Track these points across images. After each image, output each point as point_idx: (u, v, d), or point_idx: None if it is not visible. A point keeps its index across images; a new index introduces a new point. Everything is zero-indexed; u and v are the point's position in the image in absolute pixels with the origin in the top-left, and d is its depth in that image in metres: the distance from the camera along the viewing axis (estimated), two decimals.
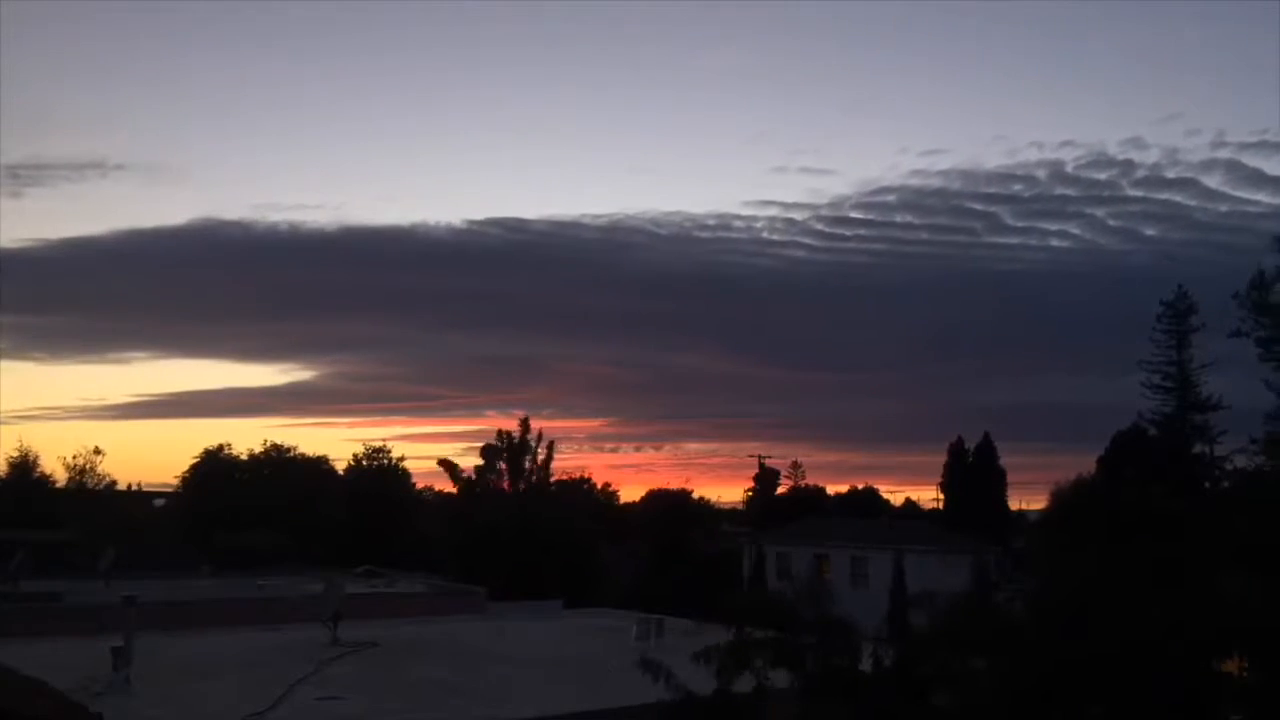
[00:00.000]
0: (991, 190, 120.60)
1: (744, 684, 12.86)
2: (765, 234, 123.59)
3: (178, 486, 70.01)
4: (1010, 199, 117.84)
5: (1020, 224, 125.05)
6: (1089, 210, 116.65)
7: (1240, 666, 16.04)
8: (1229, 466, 42.06)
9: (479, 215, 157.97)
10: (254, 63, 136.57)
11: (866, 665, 13.15)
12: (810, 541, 59.18)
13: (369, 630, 27.81)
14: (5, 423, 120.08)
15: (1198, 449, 45.25)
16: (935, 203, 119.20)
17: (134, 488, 76.31)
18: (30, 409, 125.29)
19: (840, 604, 13.78)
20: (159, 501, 74.39)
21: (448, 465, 62.07)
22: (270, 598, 34.12)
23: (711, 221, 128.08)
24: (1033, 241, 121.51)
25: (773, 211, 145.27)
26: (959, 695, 12.56)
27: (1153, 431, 45.93)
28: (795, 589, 13.57)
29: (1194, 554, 16.98)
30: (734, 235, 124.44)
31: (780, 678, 13.06)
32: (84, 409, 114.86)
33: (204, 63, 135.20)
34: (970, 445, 73.79)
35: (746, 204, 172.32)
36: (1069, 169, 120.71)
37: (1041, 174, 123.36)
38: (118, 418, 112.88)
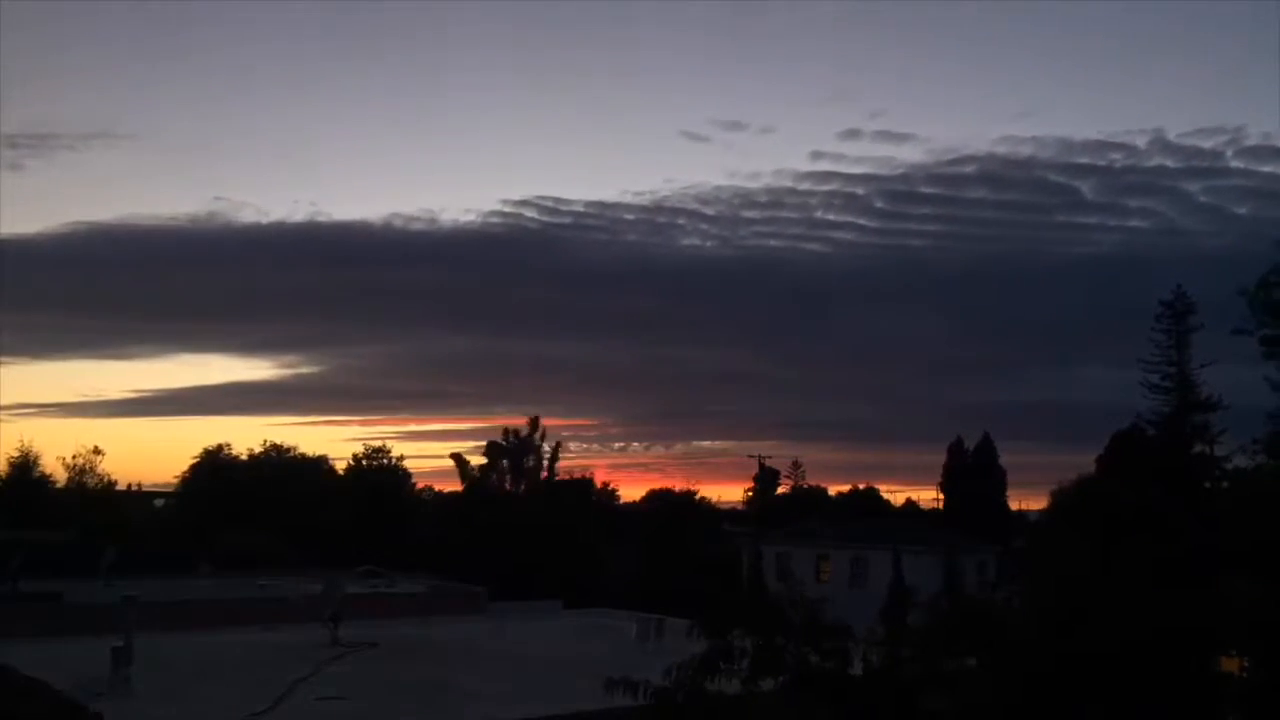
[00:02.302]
0: (1083, 160, 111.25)
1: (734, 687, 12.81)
2: (819, 212, 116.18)
3: (178, 486, 70.14)
4: (1100, 171, 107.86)
5: (1101, 200, 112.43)
6: (1182, 185, 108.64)
7: (1240, 666, 16.05)
8: (1228, 466, 42.15)
9: (515, 195, 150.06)
10: (274, 39, 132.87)
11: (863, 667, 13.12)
12: (809, 542, 59.12)
13: (369, 630, 27.81)
14: (1, 420, 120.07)
15: (1197, 449, 45.29)
16: (1016, 175, 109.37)
17: (134, 488, 76.51)
18: (27, 406, 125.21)
19: (839, 605, 13.77)
20: (159, 501, 74.50)
21: (459, 460, 62.17)
22: (270, 598, 34.08)
23: (764, 198, 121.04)
24: (1110, 221, 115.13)
25: (834, 185, 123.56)
26: (949, 696, 12.52)
27: (1151, 432, 45.99)
28: (780, 593, 13.49)
29: (1193, 553, 17.01)
30: (785, 214, 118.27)
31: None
32: (82, 405, 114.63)
33: (219, 40, 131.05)
34: (970, 445, 73.96)
35: (807, 175, 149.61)
36: (1172, 136, 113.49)
37: (1141, 142, 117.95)
38: (117, 415, 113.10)
